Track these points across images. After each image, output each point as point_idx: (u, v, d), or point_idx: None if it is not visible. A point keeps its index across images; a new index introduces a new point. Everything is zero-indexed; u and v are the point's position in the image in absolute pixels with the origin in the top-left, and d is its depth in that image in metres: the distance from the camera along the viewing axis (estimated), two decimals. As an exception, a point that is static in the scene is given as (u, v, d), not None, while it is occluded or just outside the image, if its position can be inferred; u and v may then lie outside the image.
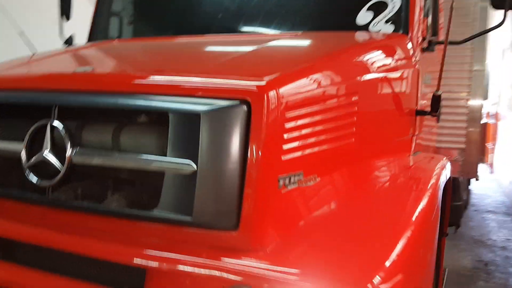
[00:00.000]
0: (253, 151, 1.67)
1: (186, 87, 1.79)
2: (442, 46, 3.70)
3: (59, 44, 3.84)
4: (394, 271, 1.62)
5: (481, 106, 4.20)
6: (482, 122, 12.52)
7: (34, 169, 1.98)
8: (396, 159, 2.47)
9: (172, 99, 1.76)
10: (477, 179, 5.20)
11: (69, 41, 3.93)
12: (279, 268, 1.63)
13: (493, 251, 6.34)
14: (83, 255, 1.93)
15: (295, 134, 1.81)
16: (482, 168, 13.07)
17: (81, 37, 3.92)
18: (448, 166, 2.83)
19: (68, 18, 3.90)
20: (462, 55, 4.09)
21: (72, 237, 1.96)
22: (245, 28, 3.05)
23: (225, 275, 1.68)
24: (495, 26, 2.79)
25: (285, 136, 1.77)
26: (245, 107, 1.68)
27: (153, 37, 3.30)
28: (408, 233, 1.81)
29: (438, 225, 2.22)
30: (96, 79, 1.99)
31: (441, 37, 3.56)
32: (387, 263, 1.63)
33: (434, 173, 2.41)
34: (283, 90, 1.76)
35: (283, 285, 1.58)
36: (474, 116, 4.20)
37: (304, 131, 1.86)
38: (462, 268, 5.63)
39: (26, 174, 1.98)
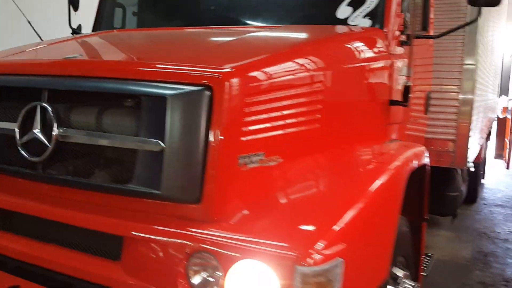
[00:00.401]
0: (214, 132, 1.86)
1: (157, 73, 1.98)
2: (431, 41, 3.83)
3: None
4: (338, 241, 1.80)
5: (472, 100, 4.30)
6: (501, 117, 12.36)
7: (26, 146, 2.19)
8: (366, 146, 2.62)
9: (144, 84, 1.96)
10: (468, 169, 5.27)
11: (76, 31, 4.16)
12: (235, 236, 1.83)
13: (495, 243, 6.38)
14: (69, 225, 2.16)
15: (255, 118, 1.99)
16: (499, 164, 13.02)
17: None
18: (424, 154, 2.96)
19: (76, 9, 4.12)
20: (454, 49, 4.20)
21: (59, 208, 2.19)
22: (235, 21, 3.22)
23: (189, 242, 1.88)
24: (470, 21, 2.90)
25: (245, 119, 1.95)
26: (208, 92, 1.87)
27: (147, 28, 3.50)
28: (359, 209, 1.98)
29: (400, 206, 2.37)
30: (80, 66, 2.20)
31: (431, 32, 3.67)
32: (333, 233, 1.82)
33: (401, 157, 2.55)
34: (244, 77, 1.94)
35: (237, 250, 1.78)
36: (464, 109, 4.30)
37: (264, 116, 2.03)
38: (461, 258, 5.71)
39: (19, 151, 2.20)
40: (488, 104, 7.96)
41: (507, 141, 13.79)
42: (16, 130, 2.20)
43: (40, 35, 4.09)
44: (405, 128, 3.51)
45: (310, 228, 1.83)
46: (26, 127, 2.19)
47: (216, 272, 1.83)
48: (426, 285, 4.54)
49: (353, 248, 1.87)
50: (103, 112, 2.10)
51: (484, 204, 8.67)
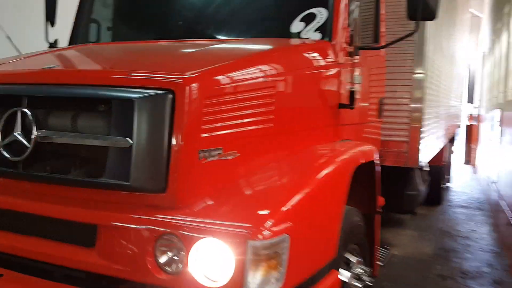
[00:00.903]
0: (176, 129, 2.14)
1: (126, 80, 2.27)
2: (383, 52, 4.20)
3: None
4: (284, 219, 2.10)
5: (421, 107, 4.72)
6: (466, 124, 12.93)
7: (8, 147, 2.42)
8: (317, 143, 2.94)
9: (114, 89, 2.23)
10: (420, 168, 5.65)
11: (53, 45, 4.39)
12: (196, 219, 2.11)
13: (456, 240, 6.74)
14: (48, 218, 2.40)
15: (214, 117, 2.28)
16: (468, 169, 13.52)
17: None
18: (372, 152, 3.29)
19: (52, 24, 4.36)
20: (404, 59, 4.61)
21: (39, 203, 2.43)
22: (201, 35, 3.52)
23: (155, 227, 2.16)
24: (409, 33, 3.26)
25: (205, 118, 2.23)
26: (170, 95, 2.15)
27: (120, 41, 3.78)
28: (305, 195, 2.29)
29: (345, 194, 2.67)
30: (56, 74, 2.47)
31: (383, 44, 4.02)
32: (281, 213, 2.13)
33: (348, 152, 2.88)
34: (203, 82, 2.23)
35: (198, 231, 2.06)
36: (415, 114, 4.71)
37: (222, 116, 2.32)
38: (423, 254, 6.03)
39: (1, 152, 2.43)
40: (449, 111, 8.40)
41: (473, 147, 14.38)
42: None
43: (18, 49, 4.31)
44: (361, 130, 3.85)
45: (261, 210, 2.12)
46: (7, 130, 2.42)
47: (181, 252, 2.10)
48: (389, 278, 4.89)
49: (299, 226, 2.17)
50: (78, 115, 2.35)
51: (449, 205, 9.09)
